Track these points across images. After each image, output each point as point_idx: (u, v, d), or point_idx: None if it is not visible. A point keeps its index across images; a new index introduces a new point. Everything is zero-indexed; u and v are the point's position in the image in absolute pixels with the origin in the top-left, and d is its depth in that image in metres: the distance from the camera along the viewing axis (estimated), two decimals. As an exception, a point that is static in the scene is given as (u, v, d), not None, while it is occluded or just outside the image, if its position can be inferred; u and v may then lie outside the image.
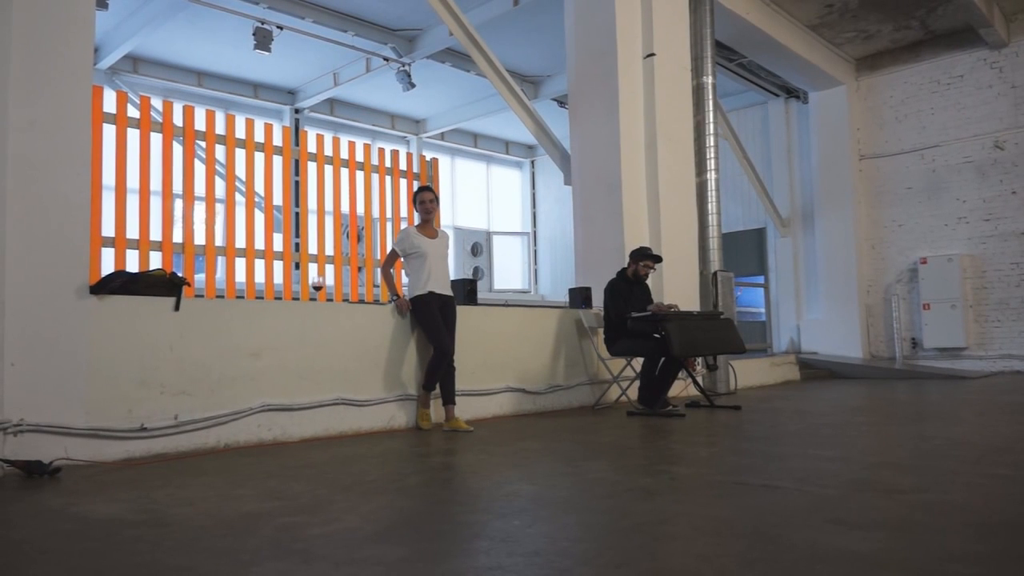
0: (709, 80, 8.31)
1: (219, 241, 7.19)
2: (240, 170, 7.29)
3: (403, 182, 8.24)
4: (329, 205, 7.79)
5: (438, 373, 5.28)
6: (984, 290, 10.86)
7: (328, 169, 7.77)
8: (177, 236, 6.71)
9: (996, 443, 4.33)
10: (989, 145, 10.83)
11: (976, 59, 10.97)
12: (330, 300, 7.51)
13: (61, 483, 3.37)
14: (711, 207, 8.26)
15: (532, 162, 17.21)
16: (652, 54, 7.84)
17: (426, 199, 5.53)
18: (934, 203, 11.34)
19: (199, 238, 6.94)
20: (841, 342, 11.69)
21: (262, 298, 7.13)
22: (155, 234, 6.56)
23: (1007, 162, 10.68)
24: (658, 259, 6.48)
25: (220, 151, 7.24)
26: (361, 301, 7.69)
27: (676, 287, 7.59)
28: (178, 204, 6.71)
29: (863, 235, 11.96)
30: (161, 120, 6.69)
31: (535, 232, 17.06)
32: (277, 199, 7.46)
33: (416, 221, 5.71)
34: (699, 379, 6.99)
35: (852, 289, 11.80)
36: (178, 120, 6.83)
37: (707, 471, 3.58)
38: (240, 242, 7.08)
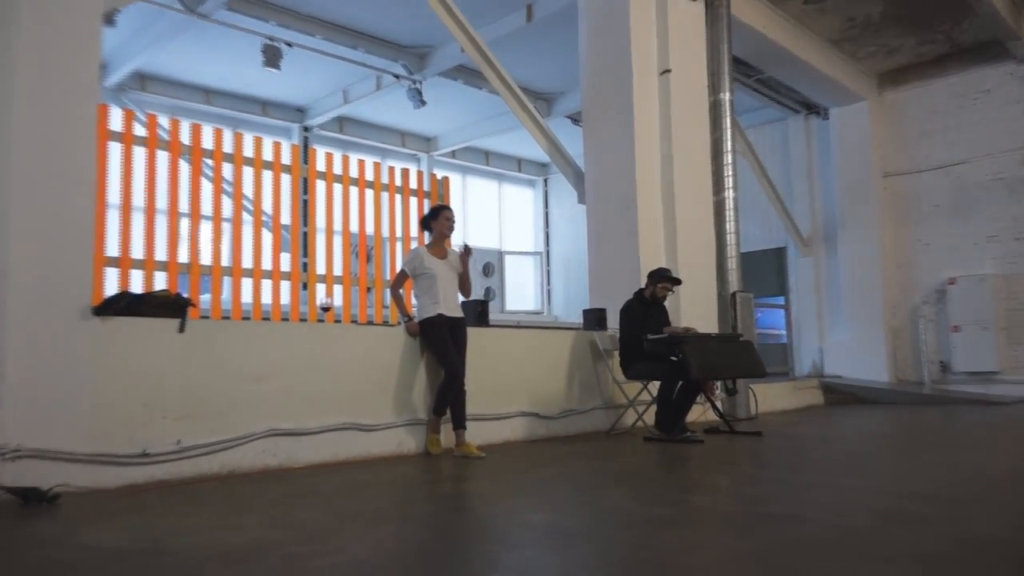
0: (726, 96, 8.19)
1: (225, 261, 7.13)
2: (248, 189, 7.25)
3: (413, 201, 8.17)
4: (338, 224, 7.72)
5: (448, 397, 5.14)
6: (1017, 311, 10.50)
7: (337, 188, 7.70)
8: (183, 256, 6.67)
9: (1035, 474, 4.16)
10: (1019, 161, 10.57)
11: (1004, 73, 10.75)
12: (338, 321, 7.42)
13: (60, 510, 3.29)
14: (729, 226, 8.11)
15: (545, 180, 17.13)
16: (668, 70, 7.74)
17: (452, 217, 5.48)
18: (962, 221, 11.05)
19: (205, 258, 6.89)
20: (866, 365, 11.34)
21: (269, 319, 7.05)
22: (160, 254, 6.52)
23: (1038, 179, 10.42)
24: (677, 282, 6.34)
25: (228, 169, 7.20)
26: (370, 322, 7.61)
27: (693, 308, 7.42)
28: (184, 223, 6.68)
29: (888, 254, 11.67)
30: (168, 138, 6.68)
31: (548, 252, 16.94)
32: (285, 218, 7.41)
33: (426, 241, 5.61)
34: (718, 404, 6.83)
35: (877, 310, 11.49)
36: (185, 138, 6.82)
37: (727, 500, 3.46)
38: (247, 262, 7.03)
